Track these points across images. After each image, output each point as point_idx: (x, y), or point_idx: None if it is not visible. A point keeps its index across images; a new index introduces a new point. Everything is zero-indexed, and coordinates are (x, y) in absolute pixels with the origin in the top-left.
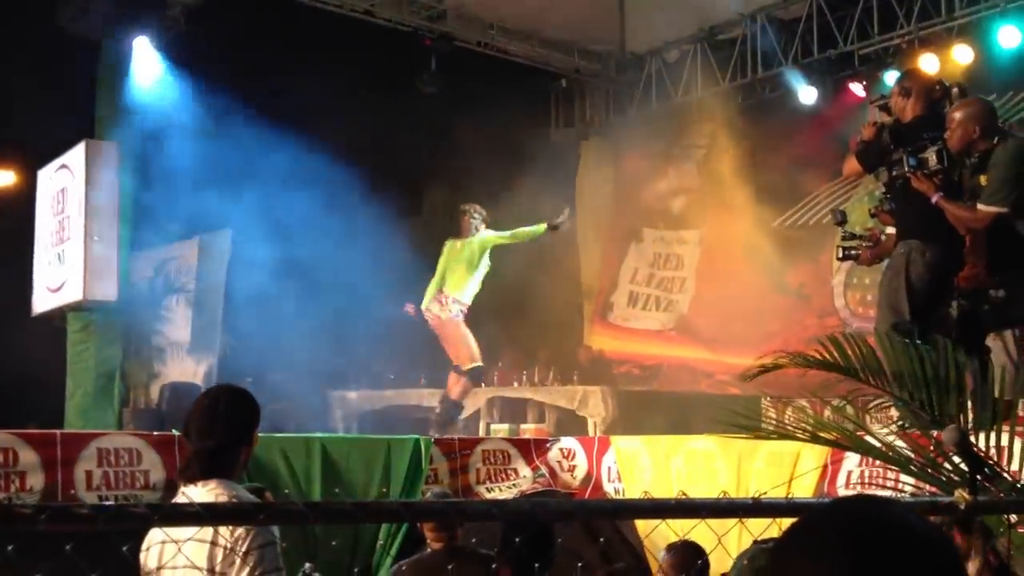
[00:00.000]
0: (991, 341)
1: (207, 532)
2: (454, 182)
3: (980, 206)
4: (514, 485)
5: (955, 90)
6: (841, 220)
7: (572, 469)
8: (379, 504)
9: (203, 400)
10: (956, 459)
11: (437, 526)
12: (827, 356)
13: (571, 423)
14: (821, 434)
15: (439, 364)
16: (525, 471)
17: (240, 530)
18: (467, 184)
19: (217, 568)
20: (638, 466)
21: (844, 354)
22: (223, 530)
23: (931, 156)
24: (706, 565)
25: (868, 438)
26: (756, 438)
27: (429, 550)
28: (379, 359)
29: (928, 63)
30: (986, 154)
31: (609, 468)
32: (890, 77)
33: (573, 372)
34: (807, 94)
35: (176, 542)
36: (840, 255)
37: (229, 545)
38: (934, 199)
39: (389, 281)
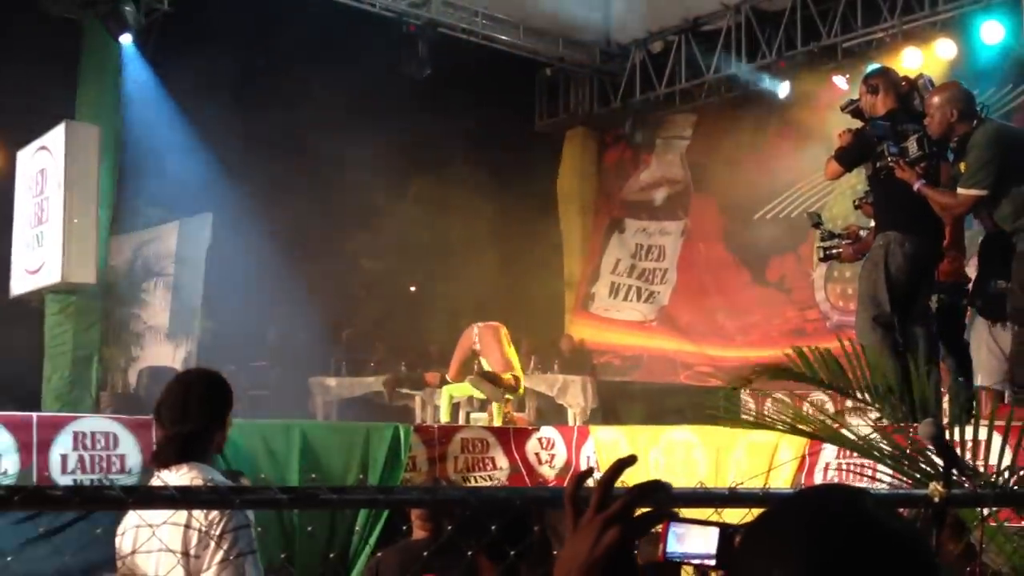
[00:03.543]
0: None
1: (181, 515)
2: (438, 170)
3: (960, 190)
4: (490, 476)
5: (921, 81)
6: (816, 223)
7: (551, 458)
8: (355, 490)
9: (176, 384)
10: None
11: (424, 515)
12: (798, 367)
13: (551, 412)
14: (799, 426)
15: (420, 351)
16: (503, 461)
17: (214, 513)
18: (451, 173)
19: (191, 551)
20: (617, 455)
21: (811, 368)
22: (197, 513)
23: (912, 144)
24: None
25: (844, 431)
26: (735, 427)
27: (413, 538)
28: (360, 346)
29: (911, 58)
30: (965, 138)
31: (588, 458)
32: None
33: (554, 361)
34: (785, 89)
35: (151, 526)
36: (821, 256)
37: (203, 528)
38: (916, 186)
39: (372, 270)
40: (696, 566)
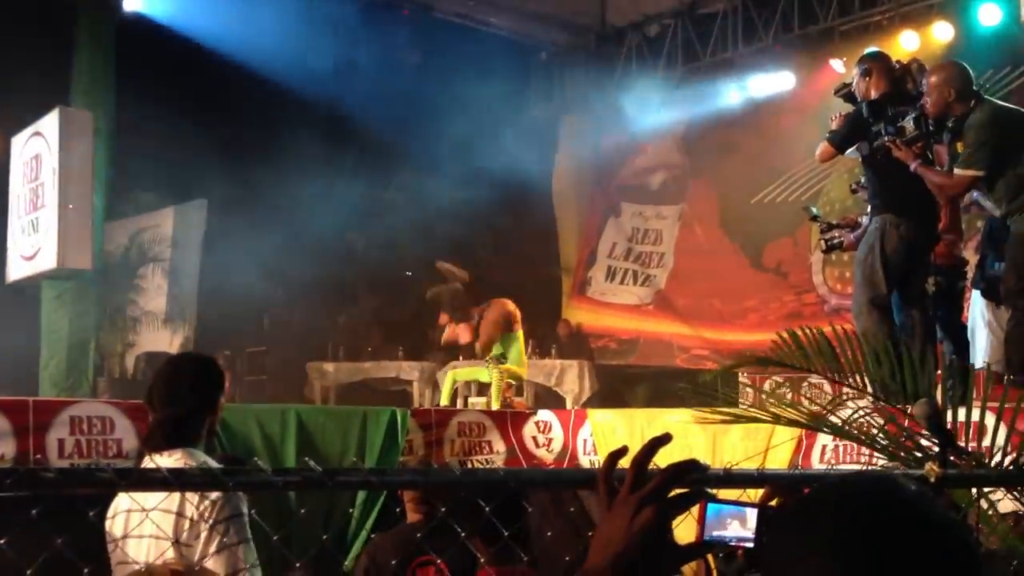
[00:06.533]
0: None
1: (173, 502)
2: (432, 156)
3: (957, 171)
4: (488, 460)
5: (914, 65)
6: (813, 216)
7: (548, 442)
8: (348, 472)
9: (166, 368)
10: (927, 433)
11: (418, 498)
12: (787, 350)
13: (549, 396)
14: (786, 415)
15: (417, 336)
16: (500, 444)
17: (207, 501)
18: (445, 159)
19: (183, 539)
20: (614, 439)
21: (803, 353)
22: (189, 501)
23: (908, 123)
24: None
25: (835, 418)
26: (723, 422)
27: (408, 521)
28: (358, 331)
29: (909, 40)
30: (963, 119)
31: (585, 441)
32: None
33: (551, 346)
34: (784, 76)
35: (144, 510)
36: (824, 248)
37: (195, 516)
38: (913, 166)
39: (368, 255)
40: (729, 547)
